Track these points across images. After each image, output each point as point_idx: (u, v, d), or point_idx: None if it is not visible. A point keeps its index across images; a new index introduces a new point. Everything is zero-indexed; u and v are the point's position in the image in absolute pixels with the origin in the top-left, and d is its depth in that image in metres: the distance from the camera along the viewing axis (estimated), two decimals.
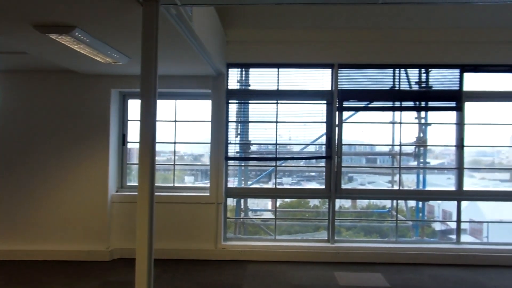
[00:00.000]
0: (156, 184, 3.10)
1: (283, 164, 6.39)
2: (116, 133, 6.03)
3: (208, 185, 5.95)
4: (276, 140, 6.03)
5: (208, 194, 5.89)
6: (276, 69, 6.01)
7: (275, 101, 6.02)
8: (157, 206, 3.23)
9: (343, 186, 6.08)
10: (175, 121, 6.18)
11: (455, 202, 6.08)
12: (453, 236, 6.21)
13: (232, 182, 6.53)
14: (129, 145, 6.25)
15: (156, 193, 3.07)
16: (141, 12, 3.06)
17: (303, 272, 5.35)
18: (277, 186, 6.20)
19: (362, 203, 8.13)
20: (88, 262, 5.68)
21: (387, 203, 7.21)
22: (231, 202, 6.57)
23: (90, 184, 5.80)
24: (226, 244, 5.91)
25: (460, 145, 5.95)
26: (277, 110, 6.02)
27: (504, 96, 6.02)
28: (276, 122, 6.02)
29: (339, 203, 8.34)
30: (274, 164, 6.17)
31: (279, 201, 8.77)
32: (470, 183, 9.00)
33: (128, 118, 6.21)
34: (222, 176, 5.87)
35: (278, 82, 6.02)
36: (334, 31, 5.85)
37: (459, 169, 5.96)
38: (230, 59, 5.93)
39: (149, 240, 2.99)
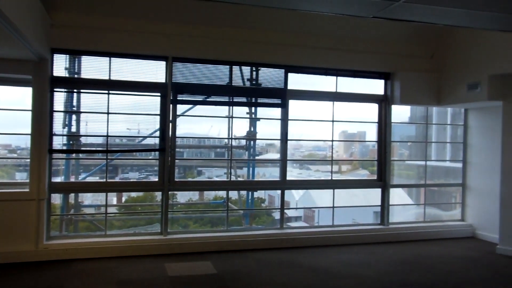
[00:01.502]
0: None
1: (118, 157, 6.18)
2: None
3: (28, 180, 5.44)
4: (108, 132, 5.79)
5: (27, 190, 5.38)
6: (108, 58, 5.77)
7: (107, 91, 5.77)
8: None
9: (190, 179, 6.15)
10: None
11: (294, 193, 6.65)
12: (291, 224, 6.85)
13: (60, 177, 6.10)
14: None
15: None
16: None
17: (133, 266, 5.27)
18: (110, 180, 5.98)
19: (209, 195, 8.36)
20: None
21: (232, 194, 7.53)
22: (59, 198, 6.14)
23: None
24: (49, 243, 5.48)
25: (284, 139, 6.51)
26: (108, 100, 5.77)
27: (321, 96, 6.79)
28: (108, 113, 5.78)
29: (187, 196, 8.45)
30: (105, 157, 5.93)
31: (125, 196, 8.52)
32: (307, 175, 9.99)
33: None
34: (45, 170, 5.40)
35: (110, 72, 5.78)
36: (170, 24, 5.85)
37: (283, 161, 6.53)
38: (56, 44, 5.48)
39: None
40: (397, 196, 8.03)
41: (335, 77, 6.77)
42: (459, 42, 6.76)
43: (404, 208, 7.91)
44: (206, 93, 6.20)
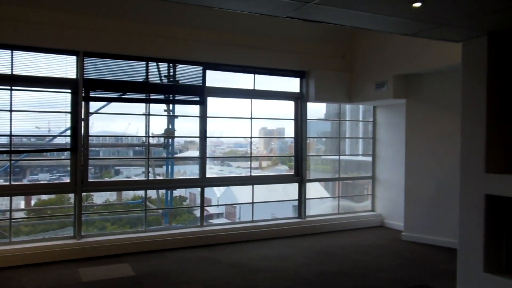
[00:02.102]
0: None
1: (25, 158, 5.76)
2: None
3: None
4: (11, 131, 5.36)
5: None
6: (10, 51, 5.34)
7: (9, 87, 5.34)
8: None
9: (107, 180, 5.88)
10: None
11: (216, 190, 6.61)
12: (213, 221, 6.82)
13: None
14: None
15: None
16: None
17: (43, 274, 4.95)
18: (16, 183, 5.55)
19: (128, 195, 8.06)
20: None
21: (152, 193, 7.32)
22: None
23: None
24: None
25: (203, 137, 6.48)
26: (11, 97, 5.35)
27: (239, 93, 6.86)
28: (11, 110, 5.36)
29: (105, 196, 8.06)
30: (9, 159, 5.49)
31: (34, 199, 7.92)
32: (228, 171, 10.02)
33: None
34: None
35: (12, 66, 5.35)
36: (81, 16, 5.54)
37: (202, 159, 6.50)
38: None
39: None
40: (315, 190, 8.37)
41: (252, 75, 6.87)
42: (368, 43, 7.19)
43: (322, 201, 8.26)
44: (122, 90, 5.98)
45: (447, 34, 4.03)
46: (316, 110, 8.05)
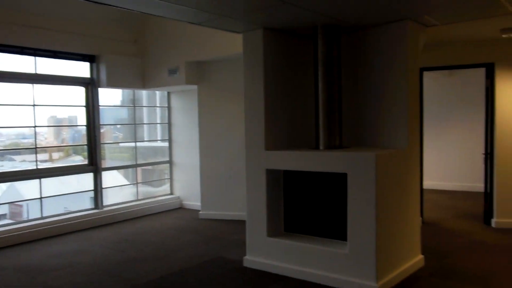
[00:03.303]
0: None
1: None
2: None
3: None
4: None
5: None
6: None
7: None
8: None
9: None
10: None
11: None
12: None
13: None
14: None
15: None
16: None
17: None
18: None
19: None
20: None
21: None
22: None
23: None
24: None
25: None
26: None
27: (17, 77, 6.09)
28: None
29: None
30: None
31: None
32: (10, 166, 8.73)
33: None
34: None
35: None
36: None
37: None
38: None
39: None
40: (114, 178, 8.11)
41: (33, 58, 6.18)
42: (160, 29, 7.24)
43: (121, 189, 8.06)
44: None
45: (229, 25, 4.38)
46: (111, 96, 7.78)
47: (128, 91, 8.07)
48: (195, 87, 7.21)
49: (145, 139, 8.48)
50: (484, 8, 3.98)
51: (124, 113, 8.58)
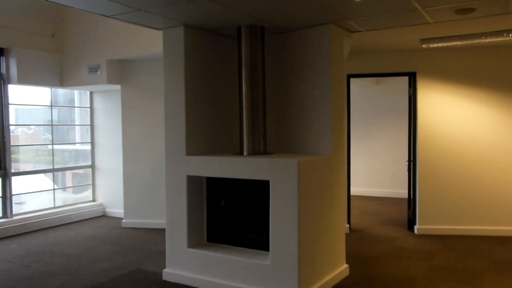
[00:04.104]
0: None
1: None
2: None
3: None
4: None
5: None
6: None
7: None
8: None
9: None
10: None
11: None
12: None
13: None
14: None
15: None
16: None
17: None
18: None
19: None
20: None
21: None
22: None
23: None
24: None
25: None
26: None
27: None
28: None
29: None
30: None
31: None
32: None
33: None
34: None
35: None
36: None
37: None
38: None
39: None
40: (35, 183, 7.44)
41: None
42: (79, 23, 6.73)
43: (39, 195, 7.37)
44: None
45: (147, 20, 4.07)
46: (39, 96, 7.15)
47: (62, 91, 7.45)
48: (118, 87, 6.77)
49: (77, 141, 7.89)
50: (404, 17, 3.99)
51: (54, 114, 7.88)
